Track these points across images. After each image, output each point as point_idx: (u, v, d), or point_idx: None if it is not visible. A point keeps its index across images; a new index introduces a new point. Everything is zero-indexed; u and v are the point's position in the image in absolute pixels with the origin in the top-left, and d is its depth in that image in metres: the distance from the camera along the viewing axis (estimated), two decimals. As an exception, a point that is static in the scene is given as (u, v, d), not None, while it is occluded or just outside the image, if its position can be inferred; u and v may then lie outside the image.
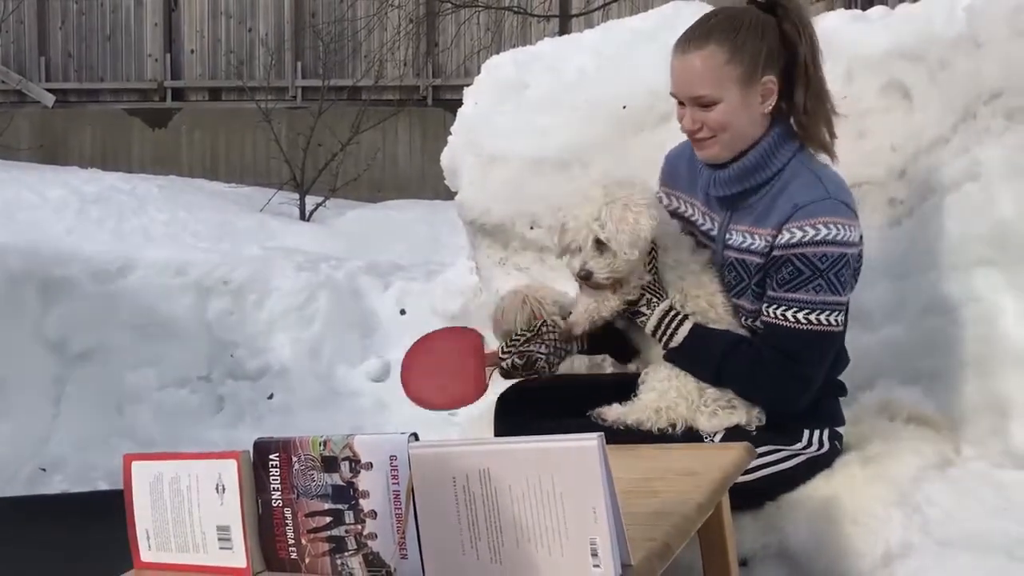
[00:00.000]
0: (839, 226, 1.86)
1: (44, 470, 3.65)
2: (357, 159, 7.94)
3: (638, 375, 2.07)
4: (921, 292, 2.31)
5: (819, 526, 1.95)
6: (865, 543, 1.91)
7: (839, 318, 1.90)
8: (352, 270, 4.66)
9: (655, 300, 1.97)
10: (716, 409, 1.95)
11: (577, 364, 2.39)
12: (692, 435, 1.96)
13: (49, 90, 9.12)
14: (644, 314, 1.98)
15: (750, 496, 1.93)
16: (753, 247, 1.95)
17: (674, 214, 2.13)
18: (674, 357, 1.98)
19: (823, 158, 2.01)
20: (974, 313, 2.19)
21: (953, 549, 1.82)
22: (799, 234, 1.86)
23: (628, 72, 2.88)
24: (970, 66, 2.29)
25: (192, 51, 9.22)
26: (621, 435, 1.90)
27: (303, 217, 7.20)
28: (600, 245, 1.94)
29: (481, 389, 2.05)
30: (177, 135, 9.09)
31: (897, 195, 2.44)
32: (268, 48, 8.84)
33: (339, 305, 4.46)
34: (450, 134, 3.18)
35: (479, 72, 3.28)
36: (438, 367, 2.08)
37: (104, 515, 2.76)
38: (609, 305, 1.98)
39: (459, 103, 3.25)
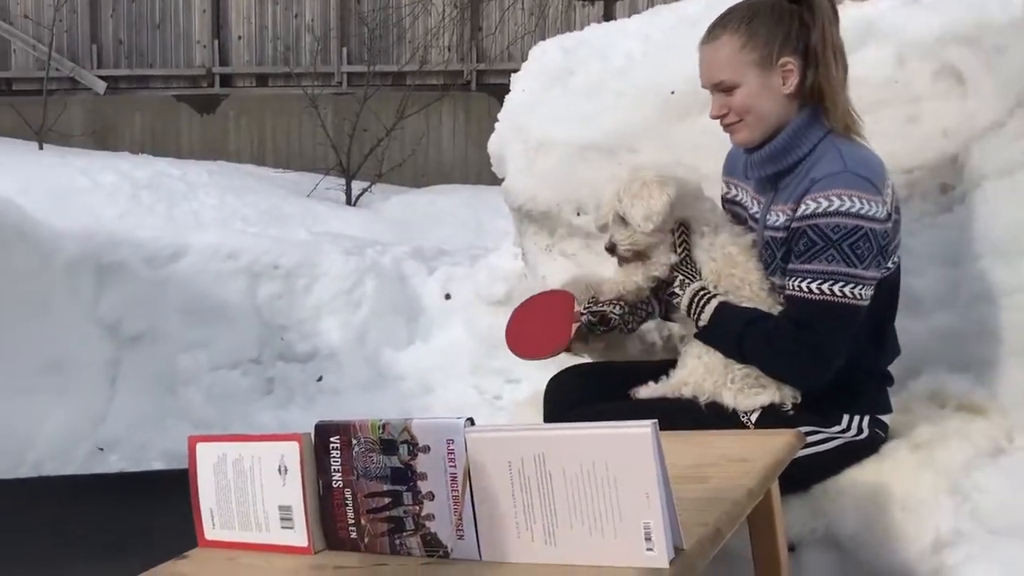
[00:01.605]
0: (854, 198, 1.88)
1: (102, 449, 3.73)
2: (402, 144, 7.99)
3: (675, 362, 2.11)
4: (973, 279, 2.29)
5: (867, 512, 1.96)
6: (914, 529, 1.91)
7: (857, 291, 1.89)
8: (398, 255, 4.70)
9: (688, 280, 2.04)
10: (743, 387, 1.98)
11: (631, 350, 2.42)
12: (723, 412, 1.98)
13: (101, 77, 9.28)
14: (678, 294, 2.05)
15: (788, 478, 1.94)
16: (778, 224, 2.00)
17: (732, 201, 2.19)
18: (704, 335, 2.03)
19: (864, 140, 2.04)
20: (1027, 300, 2.18)
21: (1004, 537, 1.82)
22: (812, 205, 1.90)
23: (675, 58, 2.87)
24: (1026, 51, 2.26)
25: (239, 37, 9.32)
26: (652, 413, 1.93)
27: (349, 202, 7.27)
28: (623, 219, 2.08)
29: (564, 341, 2.14)
30: (225, 121, 9.20)
31: (949, 181, 2.42)
32: (314, 34, 8.91)
33: (385, 290, 4.50)
34: (494, 120, 3.20)
35: (523, 57, 3.30)
36: (533, 323, 2.21)
37: (163, 494, 2.84)
38: (634, 280, 2.07)
39: (503, 88, 3.27)
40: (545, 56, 3.20)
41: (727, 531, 1.33)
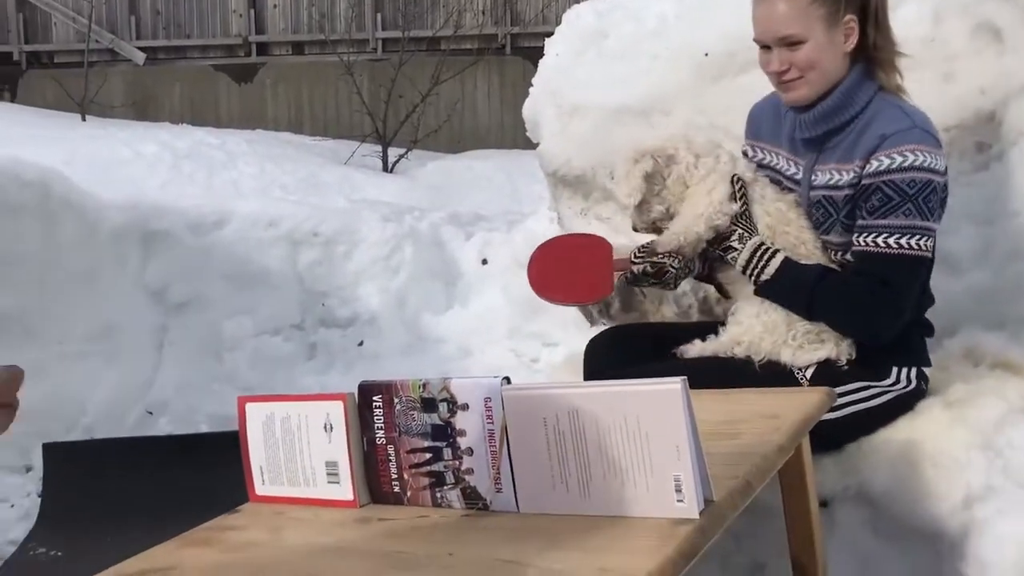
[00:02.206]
0: (926, 153, 1.90)
1: (151, 413, 3.84)
2: (437, 110, 8.00)
3: (723, 322, 2.12)
4: (1009, 237, 2.29)
5: (900, 469, 1.98)
6: (946, 486, 1.93)
7: (929, 243, 1.94)
8: (435, 221, 4.74)
9: (746, 235, 2.03)
10: (803, 343, 2.00)
11: (666, 311, 2.45)
12: (777, 368, 2.00)
13: (140, 48, 9.38)
14: (736, 249, 2.04)
15: (836, 434, 1.97)
16: (840, 182, 2.00)
17: (760, 165, 2.18)
18: (765, 291, 2.03)
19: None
20: (1063, 258, 2.17)
21: (1035, 492, 1.84)
22: (887, 161, 1.91)
23: (709, 19, 2.87)
24: (1065, 5, 2.24)
25: (275, 6, 9.35)
26: (703, 372, 1.95)
27: (386, 169, 7.31)
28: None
29: (607, 290, 2.16)
30: (262, 89, 9.28)
31: (985, 139, 2.41)
32: (349, 1, 8.92)
33: (423, 255, 4.55)
34: (529, 83, 3.21)
35: (557, 19, 3.30)
36: (568, 265, 2.19)
37: (214, 454, 2.92)
38: (695, 231, 2.05)
39: (537, 51, 3.28)
40: (579, 19, 3.21)
41: (757, 485, 1.37)
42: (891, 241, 1.92)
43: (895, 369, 2.04)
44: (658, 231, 2.13)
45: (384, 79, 7.80)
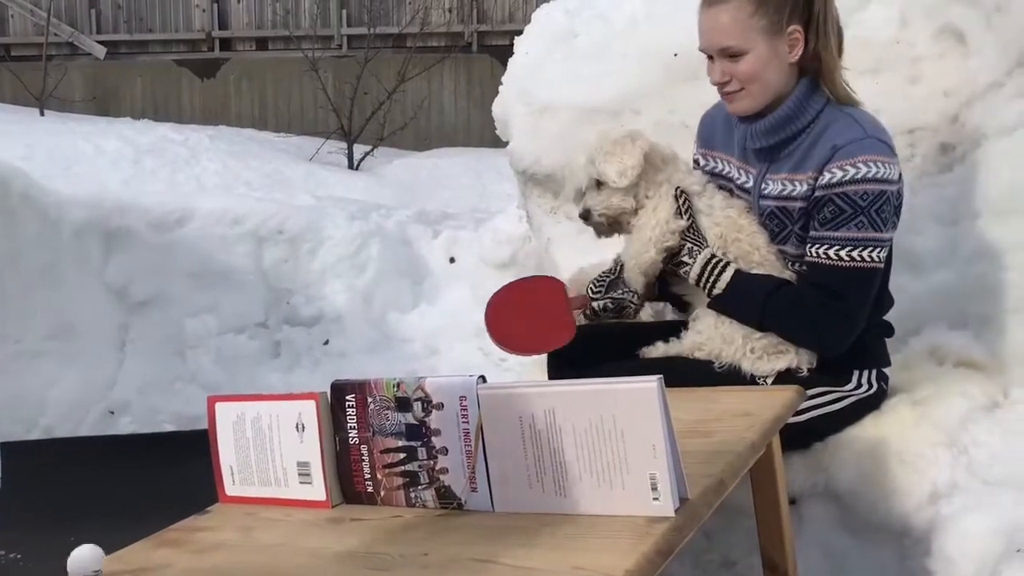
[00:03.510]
0: (878, 164, 1.89)
1: (112, 412, 3.79)
2: (403, 107, 7.98)
3: (685, 323, 2.12)
4: (972, 237, 2.32)
5: (866, 466, 2.00)
6: (911, 482, 1.96)
7: (880, 255, 1.93)
8: (402, 219, 4.73)
9: (696, 249, 2.02)
10: (762, 354, 1.99)
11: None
12: (739, 376, 1.99)
13: (100, 42, 9.24)
14: (687, 264, 2.03)
15: (800, 436, 1.98)
16: (794, 193, 1.99)
17: (713, 173, 2.16)
18: (718, 304, 2.02)
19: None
20: (1024, 259, 2.21)
21: (998, 488, 1.87)
22: (839, 174, 1.90)
23: (679, 19, 2.86)
24: (1027, 10, 2.28)
25: (239, 0, 9.27)
26: (667, 373, 1.95)
27: (351, 166, 7.28)
28: (597, 183, 2.08)
29: (571, 332, 2.08)
30: (225, 85, 9.18)
31: (949, 141, 2.44)
32: (313, -4, 8.86)
33: (390, 253, 4.54)
34: (497, 81, 3.21)
35: (524, 18, 3.31)
36: (525, 313, 2.10)
37: (177, 454, 2.89)
38: (649, 255, 2.02)
39: (504, 49, 3.27)
40: (548, 18, 3.21)
41: (730, 482, 1.38)
42: (843, 253, 1.91)
43: (855, 373, 2.05)
44: (608, 230, 2.11)
45: (349, 76, 7.76)
